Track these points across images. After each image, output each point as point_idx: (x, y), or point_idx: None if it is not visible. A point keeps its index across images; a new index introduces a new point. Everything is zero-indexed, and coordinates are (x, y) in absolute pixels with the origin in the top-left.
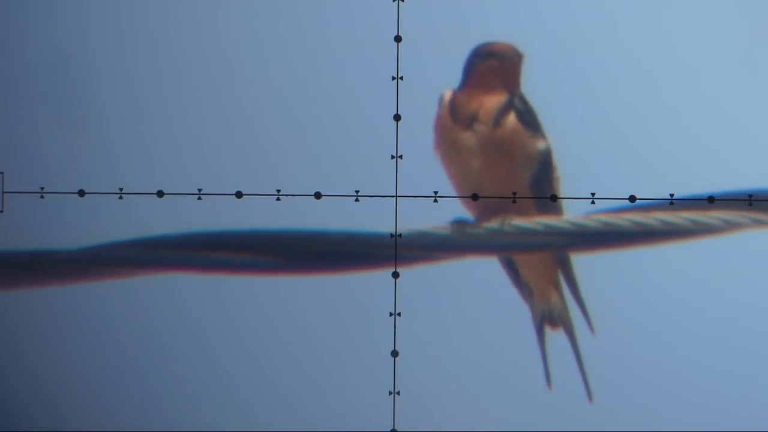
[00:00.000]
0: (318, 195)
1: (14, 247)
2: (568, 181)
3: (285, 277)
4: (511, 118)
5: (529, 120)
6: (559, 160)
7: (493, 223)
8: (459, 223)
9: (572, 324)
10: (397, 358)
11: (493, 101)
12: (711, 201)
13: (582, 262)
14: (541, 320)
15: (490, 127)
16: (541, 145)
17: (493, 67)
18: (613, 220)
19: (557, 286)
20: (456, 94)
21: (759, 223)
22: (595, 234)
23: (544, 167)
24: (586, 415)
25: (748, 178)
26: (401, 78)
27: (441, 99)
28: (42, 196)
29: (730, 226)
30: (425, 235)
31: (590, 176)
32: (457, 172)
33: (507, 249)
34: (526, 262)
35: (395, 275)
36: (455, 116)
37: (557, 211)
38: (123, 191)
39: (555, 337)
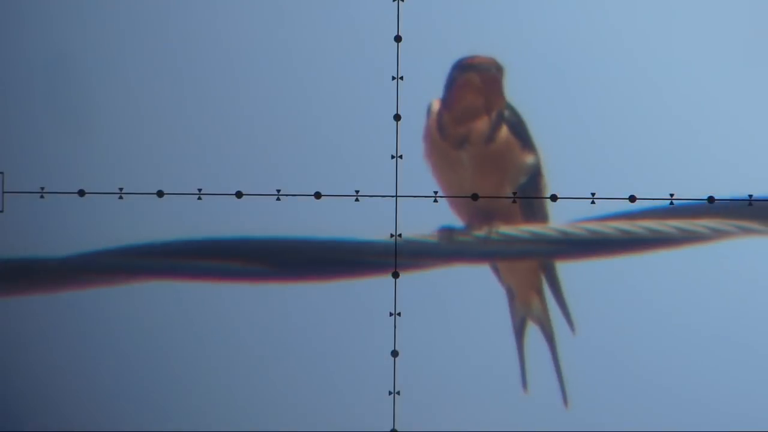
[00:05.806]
0: (318, 195)
1: (12, 248)
2: (568, 180)
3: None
4: (504, 133)
5: (521, 131)
6: (547, 168)
7: (480, 231)
8: (446, 230)
9: (552, 331)
10: (397, 358)
11: (481, 120)
12: (711, 201)
13: (565, 268)
14: (520, 324)
15: (483, 146)
16: (531, 155)
17: (473, 80)
18: (600, 228)
19: (539, 292)
20: (441, 109)
21: (746, 231)
22: (582, 242)
23: (533, 176)
24: (581, 413)
25: (748, 179)
26: (401, 78)
27: (429, 109)
28: (42, 196)
29: (717, 235)
30: (411, 242)
31: (590, 176)
32: (448, 183)
33: (494, 256)
34: (508, 267)
35: (395, 275)
36: (443, 135)
37: (544, 218)
38: (123, 191)
39: (534, 340)
